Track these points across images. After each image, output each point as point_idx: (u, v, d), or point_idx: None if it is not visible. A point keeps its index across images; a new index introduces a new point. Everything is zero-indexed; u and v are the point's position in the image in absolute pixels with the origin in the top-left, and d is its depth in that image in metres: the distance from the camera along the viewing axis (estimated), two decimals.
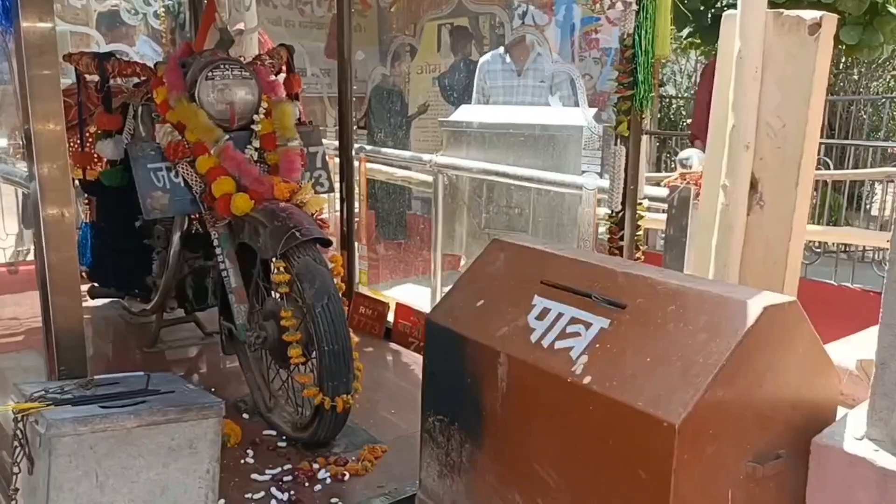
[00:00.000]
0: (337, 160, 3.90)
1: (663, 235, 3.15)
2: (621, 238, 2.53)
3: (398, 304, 3.67)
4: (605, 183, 2.81)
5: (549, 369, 1.69)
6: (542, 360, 1.72)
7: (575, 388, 1.62)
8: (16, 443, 1.90)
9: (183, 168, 2.63)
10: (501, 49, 4.82)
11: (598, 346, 1.66)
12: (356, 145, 4.01)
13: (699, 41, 7.11)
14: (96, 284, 3.40)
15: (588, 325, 1.70)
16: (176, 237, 2.95)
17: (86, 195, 3.26)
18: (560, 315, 1.78)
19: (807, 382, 1.62)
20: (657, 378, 1.51)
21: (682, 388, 1.46)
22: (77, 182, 3.36)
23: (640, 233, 2.63)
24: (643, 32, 2.30)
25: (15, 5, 2.02)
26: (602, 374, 1.60)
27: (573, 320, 1.74)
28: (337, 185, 3.81)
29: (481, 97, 4.81)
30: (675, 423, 1.41)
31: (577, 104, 3.28)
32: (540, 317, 1.82)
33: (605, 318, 1.69)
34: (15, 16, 2.03)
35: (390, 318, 3.63)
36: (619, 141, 2.49)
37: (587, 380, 1.61)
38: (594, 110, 3.34)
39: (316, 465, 2.40)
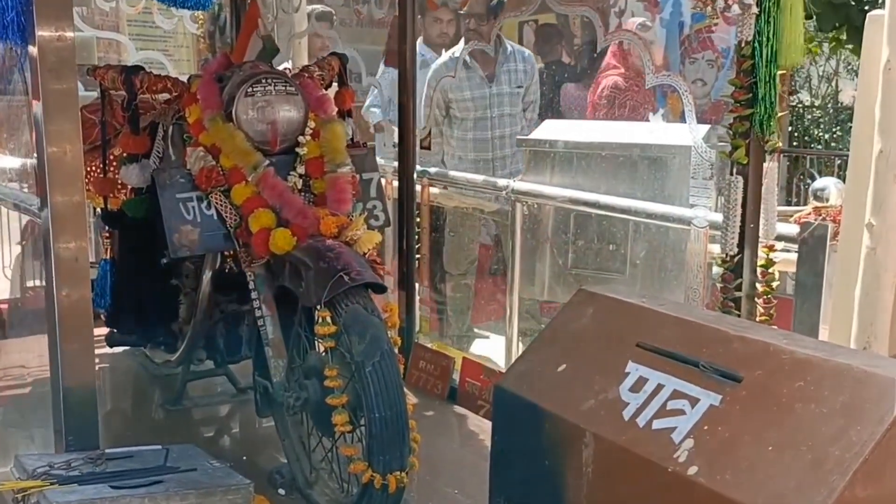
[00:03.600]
0: (396, 185, 3.94)
1: (793, 277, 3.07)
2: (738, 288, 2.48)
3: (465, 360, 3.65)
4: (720, 217, 2.76)
5: (646, 455, 1.67)
6: (636, 443, 1.70)
7: (677, 479, 1.60)
8: None
9: (216, 198, 2.69)
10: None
11: (706, 427, 1.64)
12: (419, 168, 4.04)
13: (847, 41, 6.85)
14: (115, 330, 3.47)
15: (694, 402, 1.69)
16: (206, 278, 3.00)
17: (106, 227, 3.36)
18: (660, 387, 1.77)
19: None
20: (781, 472, 1.48)
21: (812, 487, 1.43)
22: (97, 212, 3.50)
23: (776, 281, 2.56)
24: (764, 40, 2.26)
25: (30, 13, 2.11)
26: (711, 463, 1.57)
27: (676, 394, 1.73)
28: (395, 216, 3.85)
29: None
30: None
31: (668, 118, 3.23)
32: (635, 388, 1.81)
33: (716, 393, 1.68)
34: (29, 23, 2.12)
35: (456, 375, 3.60)
36: (735, 169, 2.45)
37: (692, 470, 1.59)
38: (705, 128, 3.29)
39: None
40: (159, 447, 2.22)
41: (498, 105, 4.87)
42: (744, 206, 2.43)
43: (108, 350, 3.70)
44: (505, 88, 4.87)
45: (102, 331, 3.39)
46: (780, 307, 2.82)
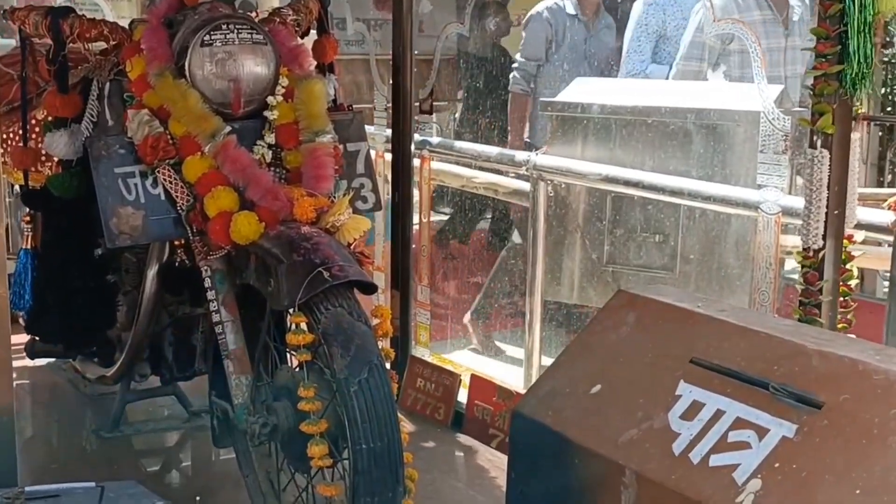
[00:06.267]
0: (388, 158, 3.93)
1: (887, 277, 3.09)
2: (821, 291, 2.46)
3: (474, 377, 3.65)
4: (796, 202, 2.75)
5: (701, 499, 1.68)
6: (689, 484, 1.71)
7: None
8: None
9: (164, 174, 2.67)
10: None
11: (777, 465, 1.65)
12: (417, 137, 4.04)
13: None
14: (37, 338, 3.46)
15: (763, 433, 1.70)
16: (151, 273, 2.99)
17: (27, 210, 3.35)
18: (719, 413, 1.78)
19: None
20: None
21: None
22: (16, 190, 3.50)
23: (855, 280, 2.56)
24: None
25: None
26: None
27: (740, 423, 1.74)
28: (388, 197, 3.86)
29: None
30: None
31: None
32: (688, 415, 1.82)
33: (790, 422, 1.69)
34: None
35: (462, 397, 3.60)
36: (818, 140, 2.43)
37: None
38: (778, 89, 3.27)
39: None
40: (92, 485, 2.21)
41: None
42: (829, 186, 2.42)
43: (28, 362, 3.71)
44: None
45: (22, 338, 3.39)
46: (867, 314, 2.81)
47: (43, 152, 3.14)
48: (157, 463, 3.36)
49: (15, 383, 2.70)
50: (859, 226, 2.69)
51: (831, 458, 1.60)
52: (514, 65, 5.46)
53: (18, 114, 3.25)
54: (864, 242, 2.84)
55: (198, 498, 3.01)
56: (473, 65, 5.99)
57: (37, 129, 3.21)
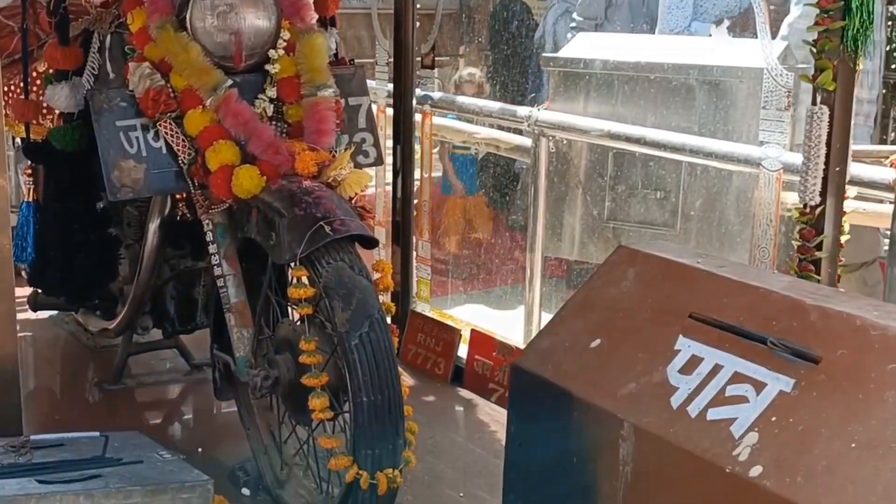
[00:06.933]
0: (390, 113, 3.91)
1: (888, 235, 3.09)
2: (818, 247, 2.47)
3: (474, 332, 3.66)
4: (795, 158, 2.75)
5: (698, 452, 1.68)
6: (686, 437, 1.71)
7: (736, 482, 1.60)
8: None
9: (166, 127, 2.67)
10: None
11: (774, 419, 1.65)
12: (419, 92, 4.03)
13: None
14: (39, 291, 3.48)
15: (760, 387, 1.70)
16: (153, 227, 2.99)
17: (29, 163, 3.36)
18: (717, 368, 1.78)
19: None
20: (865, 476, 1.48)
21: None
22: (17, 143, 3.49)
23: (846, 236, 2.57)
24: None
25: None
26: (779, 463, 1.58)
27: (737, 377, 1.74)
28: (390, 152, 3.85)
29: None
30: None
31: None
32: (686, 369, 1.82)
33: (788, 376, 1.68)
34: None
35: (462, 352, 3.61)
36: (819, 97, 2.43)
37: (755, 471, 1.59)
38: (782, 45, 3.26)
39: None
40: (97, 434, 2.23)
41: None
42: (828, 143, 2.42)
43: (30, 315, 3.72)
44: None
45: (24, 291, 3.42)
46: None
47: (44, 105, 3.14)
48: (159, 416, 3.37)
49: (18, 336, 2.71)
50: (854, 182, 2.69)
51: (828, 412, 1.60)
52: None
53: (19, 66, 3.23)
54: (860, 198, 2.85)
55: (199, 451, 3.02)
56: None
57: (38, 82, 3.20)
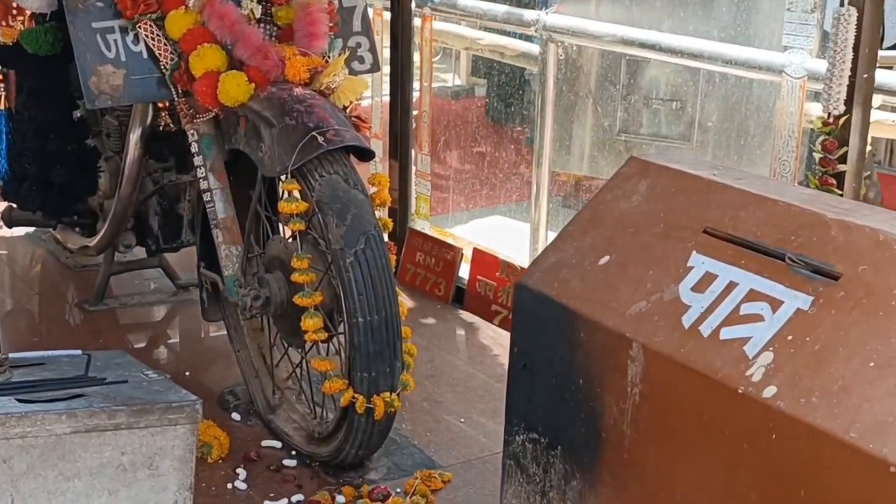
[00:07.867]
0: (387, 17, 3.81)
1: None
2: (842, 159, 2.44)
3: (476, 251, 3.64)
4: (821, 65, 2.69)
5: (710, 372, 1.68)
6: (698, 357, 1.71)
7: (750, 403, 1.61)
8: None
9: (146, 29, 2.61)
10: None
11: (790, 338, 1.64)
12: None
13: None
14: (14, 206, 3.46)
15: (777, 305, 1.69)
16: (134, 137, 2.97)
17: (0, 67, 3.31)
18: (732, 285, 1.76)
19: None
20: (883, 396, 1.48)
21: None
22: None
23: (868, 148, 2.55)
24: None
25: None
26: (794, 383, 1.58)
27: (753, 295, 1.73)
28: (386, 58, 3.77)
29: None
30: None
31: None
32: (699, 287, 1.80)
33: (805, 293, 1.67)
34: None
35: (463, 271, 3.60)
36: None
37: (769, 391, 1.59)
38: None
39: (341, 498, 2.42)
40: (79, 353, 2.21)
41: None
42: (856, 48, 2.37)
43: (5, 232, 3.71)
44: None
45: None
46: (890, 187, 2.80)
47: (14, 5, 3.07)
48: (144, 338, 3.35)
49: None
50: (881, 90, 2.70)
51: (846, 330, 1.59)
52: None
53: None
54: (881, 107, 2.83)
55: (187, 374, 3.02)
56: None
57: None
